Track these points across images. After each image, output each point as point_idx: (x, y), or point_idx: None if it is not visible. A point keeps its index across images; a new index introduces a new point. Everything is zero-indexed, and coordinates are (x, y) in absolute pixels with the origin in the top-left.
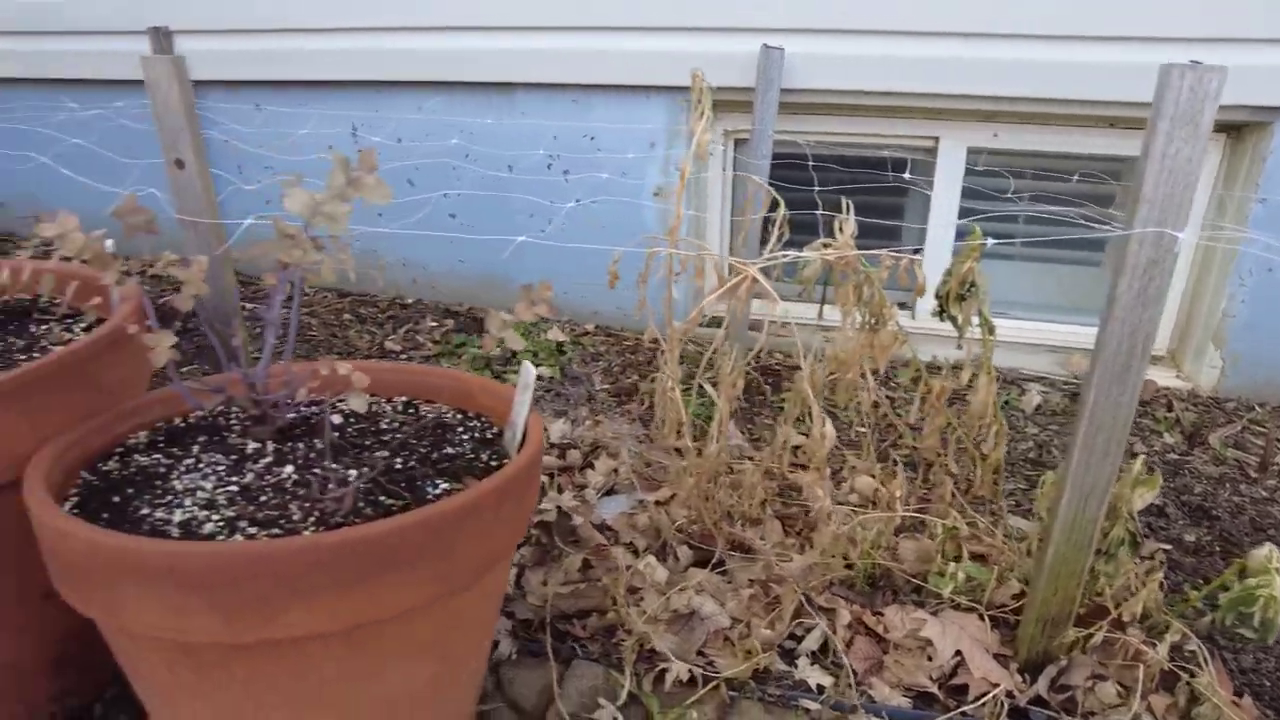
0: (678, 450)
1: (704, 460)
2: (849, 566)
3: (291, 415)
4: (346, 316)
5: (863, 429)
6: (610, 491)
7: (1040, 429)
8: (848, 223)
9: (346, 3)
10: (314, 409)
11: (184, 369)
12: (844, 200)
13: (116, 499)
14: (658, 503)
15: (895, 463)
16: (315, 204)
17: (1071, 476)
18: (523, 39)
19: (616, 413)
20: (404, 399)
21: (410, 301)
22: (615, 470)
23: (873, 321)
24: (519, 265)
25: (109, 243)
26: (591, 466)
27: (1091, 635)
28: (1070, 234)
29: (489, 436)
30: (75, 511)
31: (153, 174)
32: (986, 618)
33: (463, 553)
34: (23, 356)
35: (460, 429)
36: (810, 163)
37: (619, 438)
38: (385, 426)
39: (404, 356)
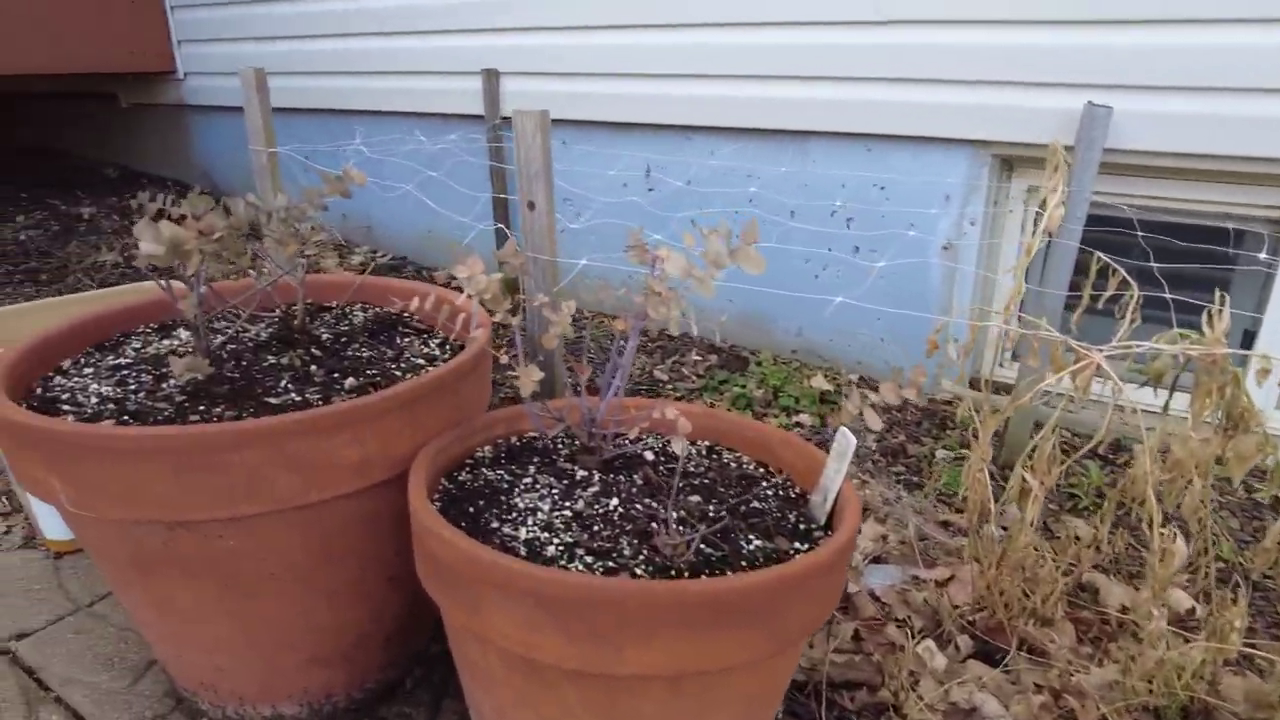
0: (975, 531)
1: (1010, 549)
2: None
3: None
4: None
5: (1169, 530)
6: (878, 559)
7: None
8: (1221, 316)
9: (647, 52)
10: (631, 444)
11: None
12: (1218, 291)
13: (471, 509)
14: (937, 583)
15: (1238, 585)
16: (690, 269)
17: None
18: (820, 88)
19: (884, 474)
20: (706, 444)
21: (676, 334)
22: (884, 537)
23: (1229, 425)
24: (781, 309)
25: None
26: (858, 529)
27: None
28: None
29: (792, 495)
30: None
31: (476, 205)
32: None
33: (791, 617)
34: (393, 365)
35: (764, 483)
36: (1139, 232)
37: (890, 503)
38: (692, 470)
39: (669, 387)
